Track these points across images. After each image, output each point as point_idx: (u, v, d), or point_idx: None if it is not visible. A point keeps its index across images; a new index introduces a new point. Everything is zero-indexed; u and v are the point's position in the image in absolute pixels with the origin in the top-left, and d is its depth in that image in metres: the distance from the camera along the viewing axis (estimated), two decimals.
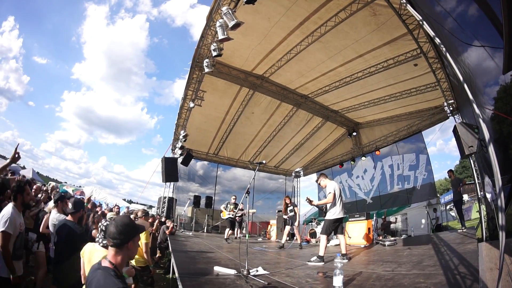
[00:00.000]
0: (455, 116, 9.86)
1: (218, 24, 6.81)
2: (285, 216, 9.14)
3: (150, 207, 24.63)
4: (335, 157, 16.69)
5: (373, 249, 7.26)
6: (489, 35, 3.20)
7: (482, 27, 3.45)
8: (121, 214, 8.64)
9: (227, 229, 9.53)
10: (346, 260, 5.25)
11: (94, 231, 5.47)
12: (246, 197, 4.45)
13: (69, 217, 3.47)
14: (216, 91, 11.53)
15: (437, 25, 4.67)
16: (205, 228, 14.39)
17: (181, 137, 12.30)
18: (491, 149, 2.67)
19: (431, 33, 3.96)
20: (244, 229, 11.38)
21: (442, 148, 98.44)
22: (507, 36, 2.47)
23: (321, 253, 5.25)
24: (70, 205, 3.50)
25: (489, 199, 5.31)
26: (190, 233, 11.86)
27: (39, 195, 6.48)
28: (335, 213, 5.45)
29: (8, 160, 3.23)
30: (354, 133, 14.63)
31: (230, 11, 6.33)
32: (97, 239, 2.74)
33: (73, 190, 18.89)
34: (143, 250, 4.47)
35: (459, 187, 8.72)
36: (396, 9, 6.94)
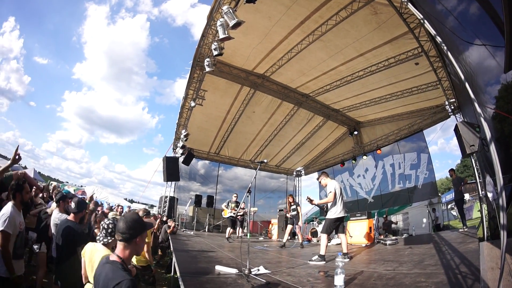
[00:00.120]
0: (456, 115, 9.84)
1: (219, 23, 6.82)
2: (288, 215, 9.15)
3: (152, 206, 24.73)
4: (336, 156, 16.68)
5: (374, 248, 7.27)
6: (490, 34, 3.19)
7: (483, 25, 3.44)
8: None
9: (228, 228, 9.54)
10: (347, 259, 5.25)
11: (96, 230, 5.49)
12: (248, 196, 4.45)
13: (70, 217, 3.48)
14: (217, 90, 11.53)
15: (438, 24, 4.66)
16: (207, 227, 14.41)
17: (182, 136, 12.31)
18: (492, 148, 2.67)
19: (432, 31, 3.95)
20: (246, 228, 11.40)
21: (443, 147, 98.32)
22: (508, 34, 2.46)
23: (322, 252, 5.25)
24: (73, 205, 3.51)
25: (490, 198, 5.29)
26: (192, 232, 11.88)
27: (42, 194, 6.50)
28: (335, 212, 5.45)
29: (9, 162, 3.20)
30: (355, 132, 14.61)
31: (230, 10, 6.33)
32: (97, 238, 2.75)
33: (74, 190, 18.93)
34: (144, 250, 4.48)
35: (461, 186, 8.70)
36: (397, 7, 6.92)
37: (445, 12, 4.61)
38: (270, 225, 13.78)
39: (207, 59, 8.61)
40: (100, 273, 1.78)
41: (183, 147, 13.18)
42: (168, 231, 9.10)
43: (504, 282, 2.24)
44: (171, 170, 13.31)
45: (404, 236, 9.91)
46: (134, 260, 4.25)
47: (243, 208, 9.79)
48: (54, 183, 16.77)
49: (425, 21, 4.04)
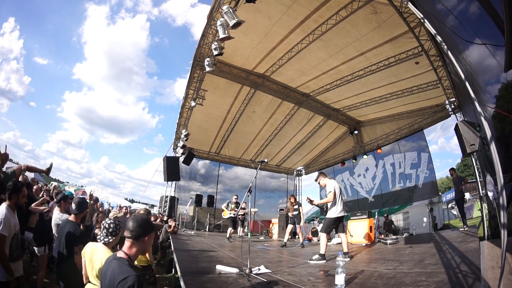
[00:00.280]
0: (456, 114, 9.84)
1: (219, 23, 6.82)
2: (290, 214, 9.16)
3: (152, 206, 24.74)
4: (336, 156, 16.68)
5: (374, 247, 7.28)
6: (490, 33, 3.19)
7: (483, 24, 3.44)
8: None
9: (229, 228, 9.55)
10: (348, 259, 5.25)
11: (97, 230, 5.49)
12: (248, 196, 4.46)
13: (71, 217, 3.49)
14: (217, 90, 11.53)
15: (438, 23, 4.66)
16: (207, 227, 14.43)
17: (182, 136, 12.32)
18: (492, 147, 2.67)
19: (433, 31, 3.95)
20: (246, 227, 11.42)
21: (443, 146, 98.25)
22: (508, 33, 2.46)
23: (322, 251, 5.26)
24: (73, 206, 3.51)
25: (490, 198, 5.30)
26: (192, 232, 11.89)
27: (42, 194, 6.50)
28: (335, 211, 5.45)
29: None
30: (356, 132, 14.61)
31: (230, 10, 6.33)
32: (98, 237, 2.75)
33: (75, 190, 18.95)
34: None
35: (461, 185, 8.69)
36: (397, 7, 6.93)
37: (445, 11, 4.61)
38: (271, 225, 13.79)
39: (207, 59, 8.62)
40: (107, 269, 1.82)
41: (183, 147, 13.19)
42: (169, 230, 9.12)
43: (505, 281, 2.24)
44: (172, 170, 13.32)
45: (404, 236, 9.92)
46: None
47: (244, 208, 9.81)
48: (55, 183, 16.81)
49: (425, 20, 4.04)
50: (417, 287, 2.98)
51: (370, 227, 8.57)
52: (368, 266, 4.60)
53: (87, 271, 2.67)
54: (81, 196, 4.46)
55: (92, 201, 6.75)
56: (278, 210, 14.48)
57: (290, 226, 8.96)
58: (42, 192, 6.83)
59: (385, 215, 12.19)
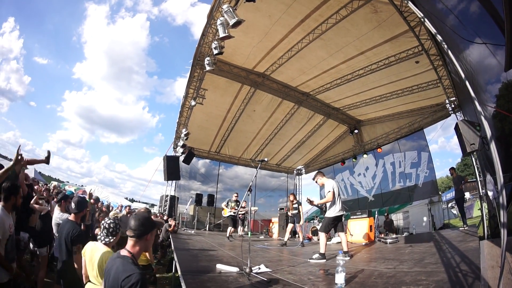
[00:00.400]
0: (457, 114, 9.84)
1: (219, 22, 6.82)
2: (289, 213, 9.17)
3: (152, 205, 24.76)
4: (336, 155, 16.69)
5: (374, 246, 7.29)
6: (491, 32, 3.19)
7: (483, 24, 3.43)
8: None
9: (229, 227, 9.56)
10: (348, 258, 5.26)
11: (97, 230, 5.50)
12: (248, 195, 4.46)
13: (71, 217, 3.49)
14: (218, 89, 11.53)
15: (438, 22, 4.65)
16: (207, 226, 14.45)
17: (182, 135, 12.33)
18: (493, 147, 2.67)
19: (433, 30, 3.95)
20: (246, 227, 11.43)
21: (443, 145, 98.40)
22: (509, 33, 2.46)
23: (322, 251, 5.27)
24: (73, 205, 3.51)
25: (490, 197, 5.30)
26: (192, 231, 11.91)
27: (42, 194, 6.51)
28: (334, 211, 5.46)
29: (11, 163, 3.10)
30: (356, 131, 14.60)
31: (231, 9, 6.33)
32: (98, 237, 2.76)
33: (75, 189, 18.97)
34: None
35: (461, 185, 8.70)
36: (397, 6, 6.92)
37: (445, 11, 4.61)
38: (271, 224, 13.81)
39: (207, 58, 8.62)
40: (111, 267, 1.85)
41: (183, 146, 13.20)
42: (169, 229, 9.13)
43: (504, 281, 2.25)
44: (172, 169, 13.34)
45: (404, 235, 9.93)
46: None
47: (244, 207, 9.81)
48: (55, 183, 16.83)
49: (426, 19, 4.04)
50: (417, 286, 2.98)
51: (370, 226, 8.57)
52: (368, 265, 4.61)
53: (87, 271, 2.68)
54: (81, 196, 4.46)
55: (92, 200, 6.74)
56: (278, 209, 14.49)
57: (290, 225, 8.97)
58: (42, 191, 6.83)
59: (386, 214, 12.20)
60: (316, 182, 5.97)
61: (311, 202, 6.01)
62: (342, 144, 16.37)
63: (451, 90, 9.32)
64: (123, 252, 1.91)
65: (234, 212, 9.49)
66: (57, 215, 4.13)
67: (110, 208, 10.24)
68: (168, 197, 14.18)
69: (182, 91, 11.41)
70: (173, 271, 5.78)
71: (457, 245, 5.15)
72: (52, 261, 4.94)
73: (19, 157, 3.08)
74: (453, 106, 9.84)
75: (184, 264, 4.26)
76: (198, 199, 15.27)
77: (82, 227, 3.79)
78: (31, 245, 4.73)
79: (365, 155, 14.77)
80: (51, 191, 8.00)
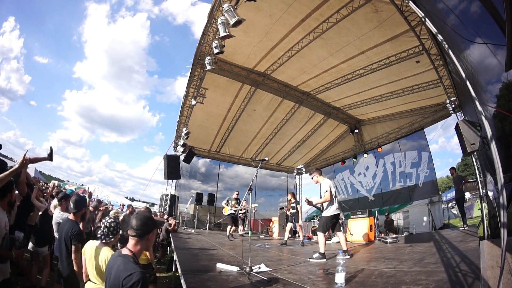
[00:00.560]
0: (457, 114, 9.82)
1: (219, 21, 6.81)
2: (288, 213, 9.17)
3: (153, 204, 24.76)
4: (337, 154, 16.70)
5: (375, 246, 7.29)
6: (491, 32, 3.18)
7: (484, 24, 3.43)
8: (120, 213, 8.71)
9: (229, 226, 9.58)
10: (348, 256, 5.27)
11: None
12: (249, 194, 4.46)
13: (71, 216, 3.50)
14: (218, 89, 11.53)
15: (439, 22, 4.65)
16: (207, 225, 14.48)
17: (183, 134, 12.34)
18: (493, 146, 2.67)
19: (434, 30, 3.95)
20: (247, 226, 11.44)
21: (444, 145, 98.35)
22: (509, 33, 2.45)
23: (321, 250, 5.28)
24: (72, 205, 3.52)
25: (491, 197, 5.30)
26: (193, 230, 11.92)
27: (42, 194, 6.52)
28: (332, 210, 5.48)
29: (16, 166, 3.03)
30: (356, 130, 14.59)
31: (231, 8, 6.33)
32: (99, 236, 2.77)
33: (75, 189, 18.99)
34: None
35: (461, 185, 8.69)
36: (398, 5, 6.90)
37: (446, 10, 4.60)
38: (271, 223, 13.82)
39: (208, 57, 8.62)
40: (112, 266, 1.87)
41: (184, 145, 13.22)
42: (169, 228, 9.15)
43: (504, 281, 2.25)
44: (172, 168, 13.35)
45: (404, 235, 9.93)
46: None
47: (244, 206, 9.81)
48: (55, 182, 16.83)
49: (426, 19, 4.03)
50: (417, 285, 2.98)
51: (370, 226, 8.57)
52: (368, 265, 4.61)
53: (87, 269, 2.69)
54: (79, 195, 4.46)
55: (91, 208, 6.72)
56: (279, 208, 14.50)
57: (289, 225, 8.97)
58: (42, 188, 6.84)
59: (386, 214, 12.20)
60: (312, 178, 5.99)
61: (309, 203, 6.01)
62: (342, 143, 16.37)
63: (452, 90, 9.31)
64: (124, 251, 1.92)
65: (235, 210, 9.49)
66: (57, 214, 4.14)
67: (110, 208, 10.26)
68: (169, 196, 14.20)
69: (182, 90, 11.41)
70: (173, 270, 5.79)
71: (457, 245, 5.15)
72: (52, 260, 4.95)
73: (25, 161, 3.02)
74: (453, 106, 9.82)
75: (184, 263, 4.26)
76: (199, 198, 15.29)
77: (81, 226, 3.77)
78: (30, 244, 4.74)
79: (365, 155, 14.78)
80: (50, 189, 8.03)
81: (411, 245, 6.30)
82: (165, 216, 11.10)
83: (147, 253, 4.56)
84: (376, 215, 10.07)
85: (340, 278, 3.02)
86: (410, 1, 4.50)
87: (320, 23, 8.20)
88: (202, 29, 8.58)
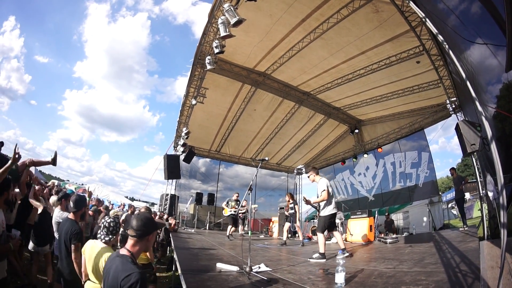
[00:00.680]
0: (457, 114, 9.81)
1: (220, 21, 6.82)
2: (286, 213, 9.17)
3: (153, 204, 24.73)
4: (337, 154, 16.69)
5: (374, 246, 7.29)
6: (492, 33, 3.19)
7: (485, 24, 3.43)
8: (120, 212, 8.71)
9: (229, 226, 9.58)
10: (347, 254, 5.27)
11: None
12: (249, 194, 4.46)
13: (71, 216, 3.50)
14: (218, 88, 11.53)
15: (439, 22, 4.65)
16: (207, 225, 14.47)
17: (183, 134, 12.34)
18: (493, 147, 2.67)
19: (434, 30, 3.95)
20: (247, 226, 11.44)
21: (444, 146, 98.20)
22: (510, 34, 2.46)
23: (321, 250, 5.27)
24: (71, 204, 3.52)
25: (491, 198, 5.30)
26: (192, 230, 11.93)
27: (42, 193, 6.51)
28: (329, 209, 5.48)
29: (9, 162, 3.04)
30: (356, 130, 14.60)
31: (232, 8, 6.33)
32: (98, 236, 2.77)
33: (75, 188, 18.99)
34: None
35: (461, 185, 8.69)
36: (398, 6, 6.90)
37: (446, 11, 4.60)
38: (271, 223, 13.82)
39: (208, 57, 8.62)
40: (111, 266, 1.86)
41: (184, 145, 13.22)
42: (169, 228, 9.14)
43: (504, 281, 2.25)
44: (172, 168, 13.35)
45: (404, 235, 9.93)
46: None
47: (244, 206, 9.82)
48: (54, 181, 16.83)
49: (427, 19, 4.03)
50: (417, 286, 2.98)
51: (370, 226, 8.57)
52: (368, 265, 4.61)
53: (86, 269, 2.69)
54: (79, 194, 4.46)
55: (91, 212, 6.72)
56: (279, 208, 14.49)
57: (287, 224, 8.95)
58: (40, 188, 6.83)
59: (386, 214, 12.21)
60: (308, 177, 5.95)
61: (308, 202, 6.00)
62: (342, 143, 16.37)
63: (452, 91, 9.31)
64: (123, 251, 1.91)
65: (235, 211, 9.49)
66: (57, 214, 4.14)
67: (110, 207, 10.25)
68: (169, 196, 14.21)
69: (182, 90, 11.42)
70: (173, 270, 5.79)
71: (457, 246, 5.15)
72: (52, 260, 4.96)
73: (16, 156, 3.02)
74: (453, 106, 9.82)
75: (184, 263, 4.26)
76: (198, 198, 15.29)
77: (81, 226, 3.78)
78: (31, 244, 4.74)
79: (365, 155, 14.78)
80: (49, 187, 8.03)
81: (411, 245, 6.30)
82: (165, 216, 11.09)
83: (147, 253, 4.57)
84: (376, 215, 10.07)
85: (340, 278, 3.02)
86: (411, 2, 4.51)
87: (321, 23, 8.20)
88: (203, 29, 8.58)
